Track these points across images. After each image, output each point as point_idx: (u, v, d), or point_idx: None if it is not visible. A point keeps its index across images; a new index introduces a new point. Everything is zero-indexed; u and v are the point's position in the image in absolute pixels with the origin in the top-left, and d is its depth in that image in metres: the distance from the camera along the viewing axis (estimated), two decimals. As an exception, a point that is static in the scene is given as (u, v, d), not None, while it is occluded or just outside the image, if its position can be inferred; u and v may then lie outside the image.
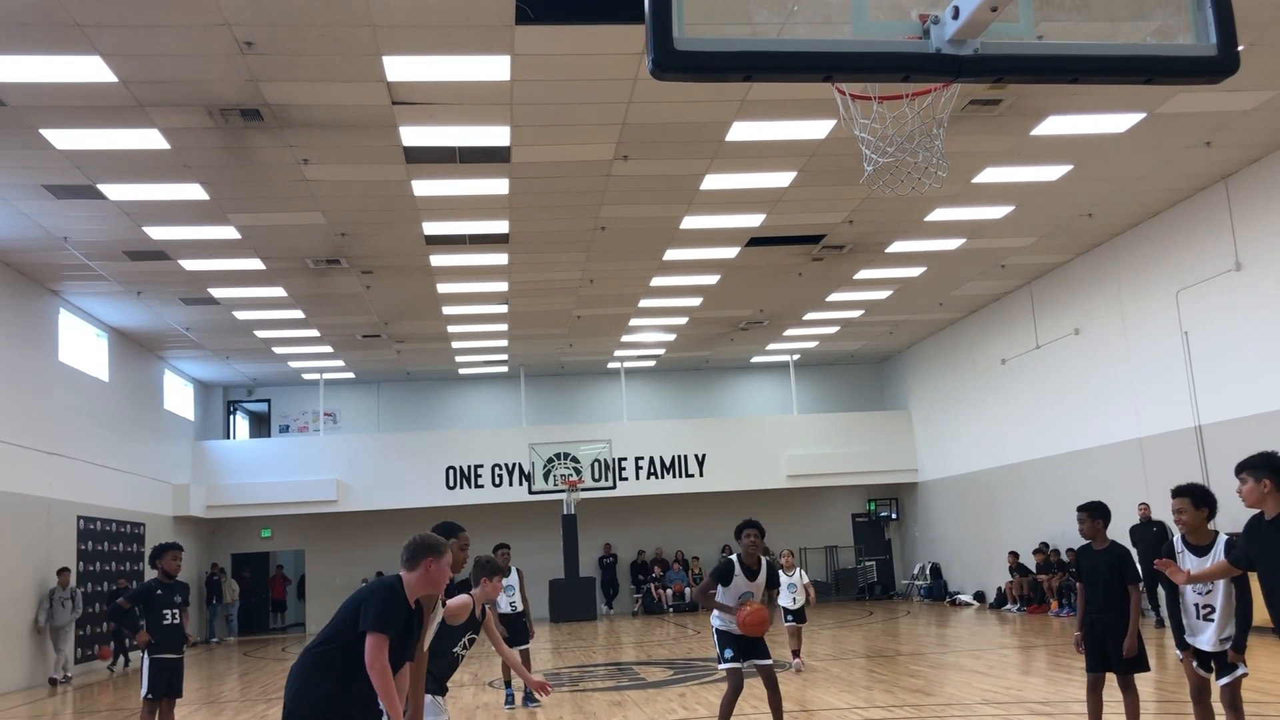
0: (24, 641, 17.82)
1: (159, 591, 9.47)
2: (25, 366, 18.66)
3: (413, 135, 13.19)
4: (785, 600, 14.34)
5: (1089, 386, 20.78)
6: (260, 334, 23.63)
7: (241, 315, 21.78)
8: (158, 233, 16.34)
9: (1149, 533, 17.33)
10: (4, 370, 17.85)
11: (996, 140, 14.46)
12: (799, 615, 14.41)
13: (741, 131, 13.65)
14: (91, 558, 20.81)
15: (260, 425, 32.08)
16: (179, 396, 27.58)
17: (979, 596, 25.41)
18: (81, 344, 21.33)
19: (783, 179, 15.52)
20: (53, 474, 19.32)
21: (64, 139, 12.76)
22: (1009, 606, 23.02)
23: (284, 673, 18.81)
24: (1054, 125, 14.03)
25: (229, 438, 30.61)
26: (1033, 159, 15.34)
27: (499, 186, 15.16)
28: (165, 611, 9.40)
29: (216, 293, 19.99)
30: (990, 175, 15.84)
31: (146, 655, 9.30)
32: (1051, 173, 15.98)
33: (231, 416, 31.18)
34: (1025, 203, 17.30)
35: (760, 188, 15.87)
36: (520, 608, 11.88)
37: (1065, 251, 20.59)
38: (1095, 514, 8.36)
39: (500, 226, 16.99)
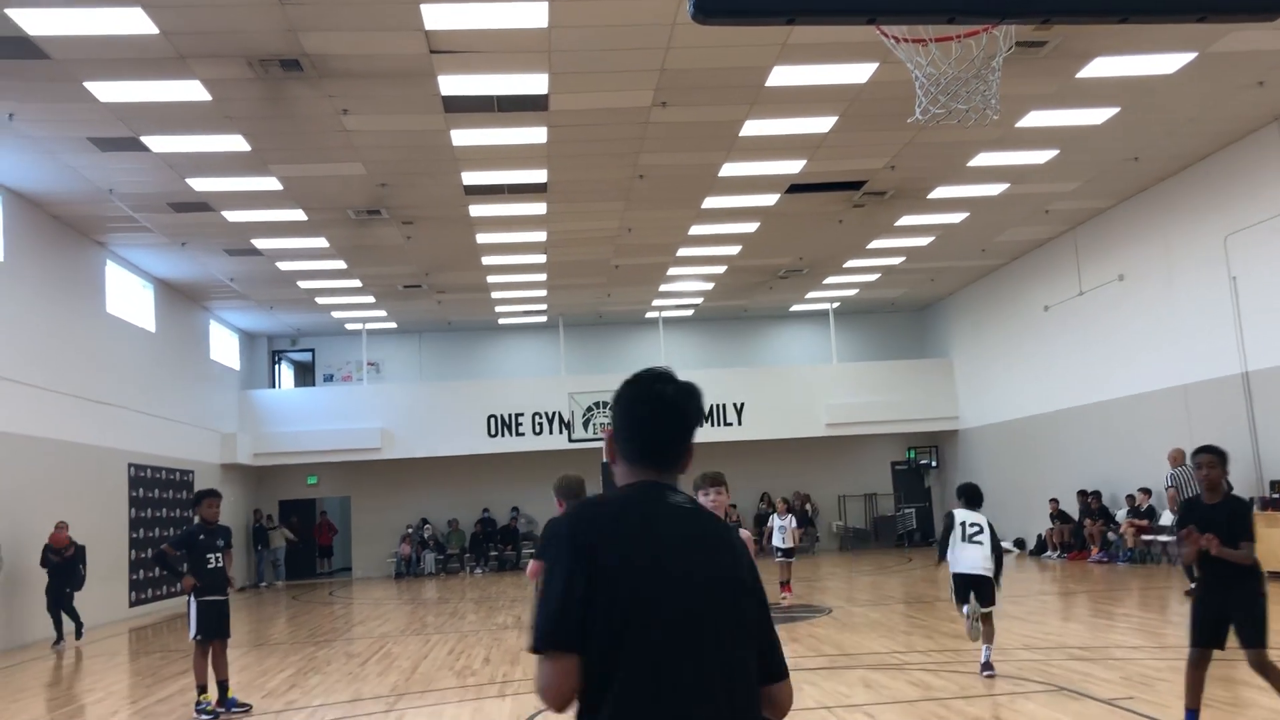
0: (93, 579, 18.33)
1: (201, 537, 9.71)
2: (74, 318, 18.99)
3: (451, 84, 13.18)
4: (777, 540, 17.16)
5: (1133, 333, 20.54)
6: (303, 284, 23.86)
7: (284, 266, 21.99)
8: (200, 184, 16.50)
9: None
10: (54, 321, 18.19)
11: (1042, 83, 14.21)
12: (789, 553, 17.14)
13: (782, 76, 13.51)
14: (143, 504, 21.29)
15: (305, 375, 32.48)
16: (224, 346, 27.97)
17: (1019, 543, 25.38)
18: (128, 295, 21.66)
19: (823, 124, 15.37)
20: (103, 423, 19.73)
21: (107, 91, 12.88)
22: (1049, 553, 22.99)
23: (331, 615, 19.26)
24: (1101, 67, 13.76)
25: (274, 387, 31.04)
26: (1078, 102, 15.07)
27: (537, 135, 15.14)
28: (208, 556, 9.63)
29: (259, 244, 20.19)
30: (1035, 119, 15.59)
31: (193, 599, 9.55)
32: (1097, 116, 15.70)
33: (276, 366, 31.59)
34: (1070, 147, 17.02)
35: (800, 133, 15.73)
36: None
37: (1110, 196, 20.27)
38: (1223, 459, 6.76)
39: (538, 176, 16.99)
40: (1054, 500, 23.14)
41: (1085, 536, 21.63)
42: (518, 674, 10.84)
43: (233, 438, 26.69)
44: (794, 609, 15.53)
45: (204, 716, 9.35)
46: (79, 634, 16.25)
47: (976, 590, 9.63)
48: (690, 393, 2.76)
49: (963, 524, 10.09)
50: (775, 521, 17.70)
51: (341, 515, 31.57)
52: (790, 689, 2.73)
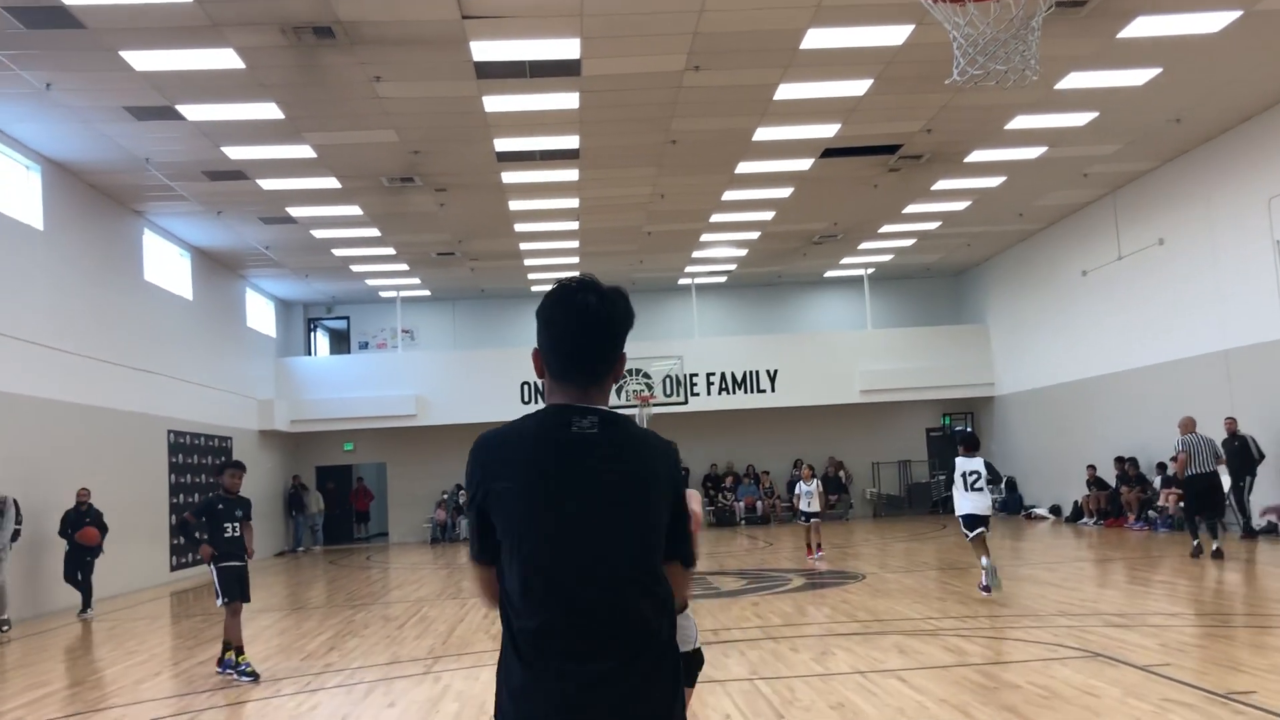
0: (134, 544, 18.66)
1: (220, 506, 9.91)
2: (113, 286, 19.21)
3: (483, 50, 13.14)
4: (803, 504, 17.98)
5: (1173, 298, 20.27)
6: (338, 252, 23.99)
7: (319, 234, 22.11)
8: (235, 152, 16.58)
9: (1232, 447, 17.01)
10: (93, 290, 18.41)
11: (1081, 43, 13.96)
12: (814, 516, 17.87)
13: (816, 39, 13.35)
14: (182, 470, 21.60)
15: (340, 342, 32.73)
16: (261, 314, 28.22)
17: (1055, 510, 25.24)
18: (166, 263, 21.88)
19: (858, 87, 15.19)
20: (143, 390, 20.00)
21: (142, 60, 12.95)
22: (1085, 520, 22.85)
23: (367, 580, 19.51)
24: (1142, 26, 13.49)
25: (310, 354, 31.30)
26: (1119, 62, 14.80)
27: (569, 101, 15.08)
28: (226, 525, 9.80)
29: (294, 211, 20.30)
30: (1074, 80, 15.33)
31: (213, 566, 9.77)
32: (1138, 77, 15.41)
33: (312, 334, 31.85)
34: (1110, 109, 16.74)
35: (835, 97, 15.56)
36: None
37: (1151, 159, 19.94)
38: None
39: (570, 142, 16.93)
40: (1091, 467, 22.97)
41: (1122, 504, 21.47)
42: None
43: (270, 405, 26.97)
44: (826, 575, 15.56)
45: (229, 672, 9.55)
46: (85, 606, 15.52)
47: (979, 524, 12.17)
48: (614, 299, 2.77)
49: (964, 475, 12.21)
50: (801, 486, 18.44)
51: (378, 481, 31.88)
52: (684, 578, 2.84)
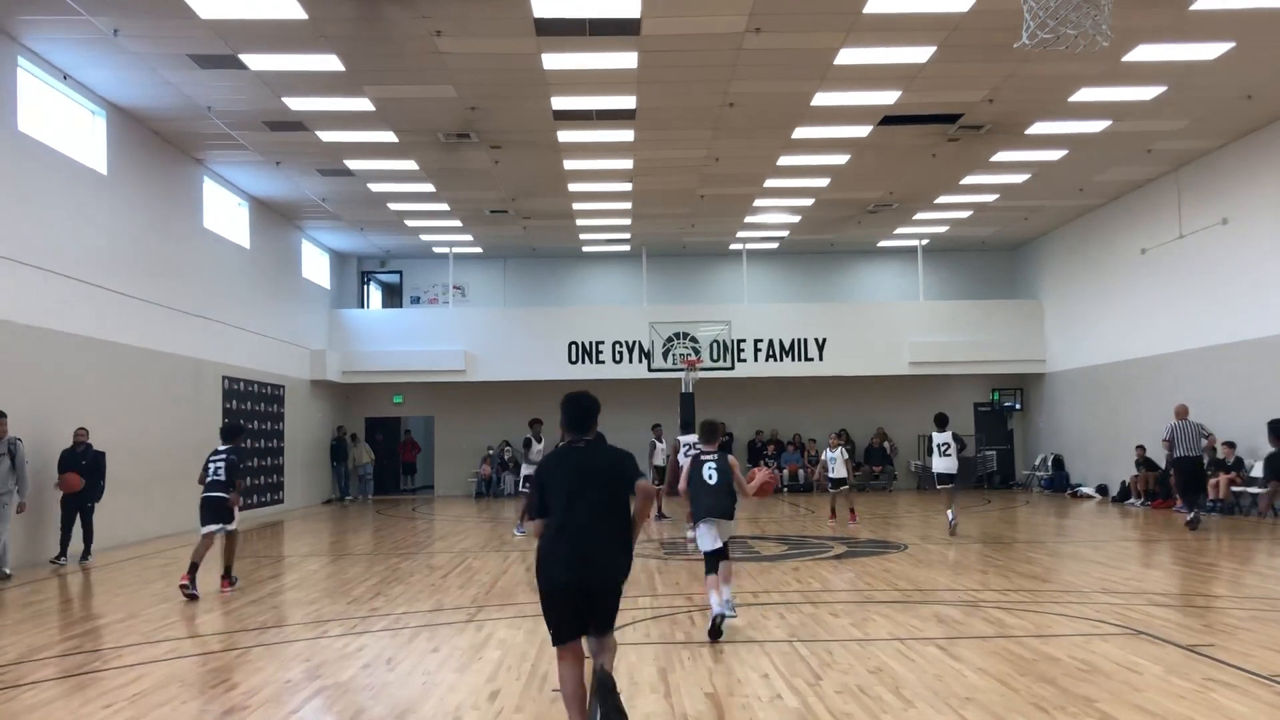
0: (187, 485, 19.08)
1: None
2: (173, 232, 19.53)
3: (543, 6, 13.12)
4: (832, 471, 19.01)
5: (1234, 279, 19.88)
6: (393, 206, 24.17)
7: (375, 187, 22.28)
8: (296, 103, 16.74)
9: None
10: (154, 235, 18.73)
11: (1151, 15, 13.66)
12: (838, 483, 18.97)
13: (881, 2, 13.19)
14: (236, 416, 21.99)
15: (392, 296, 33.04)
16: (316, 265, 28.54)
17: (1102, 489, 24.99)
18: (224, 212, 22.19)
19: (921, 54, 14.99)
20: (199, 335, 20.36)
21: (208, 7, 13.07)
22: (1132, 501, 22.61)
23: (413, 530, 19.83)
24: (1217, -2, 13.17)
25: (363, 307, 31.65)
26: (1190, 35, 14.47)
27: (628, 60, 15.03)
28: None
29: (351, 164, 20.47)
30: (1142, 53, 15.02)
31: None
32: (1210, 50, 15.06)
33: (365, 286, 32.18)
34: (1179, 83, 16.38)
35: (897, 63, 15.37)
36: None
37: (1218, 136, 19.51)
38: None
39: (628, 102, 16.89)
40: (1140, 447, 22.70)
41: (1170, 485, 21.18)
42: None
43: (322, 355, 27.34)
44: (867, 544, 15.57)
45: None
46: (86, 554, 14.71)
47: (947, 481, 17.00)
48: (592, 399, 5.80)
49: (938, 445, 17.20)
50: (827, 454, 19.40)
51: (425, 434, 32.26)
52: (647, 486, 5.62)
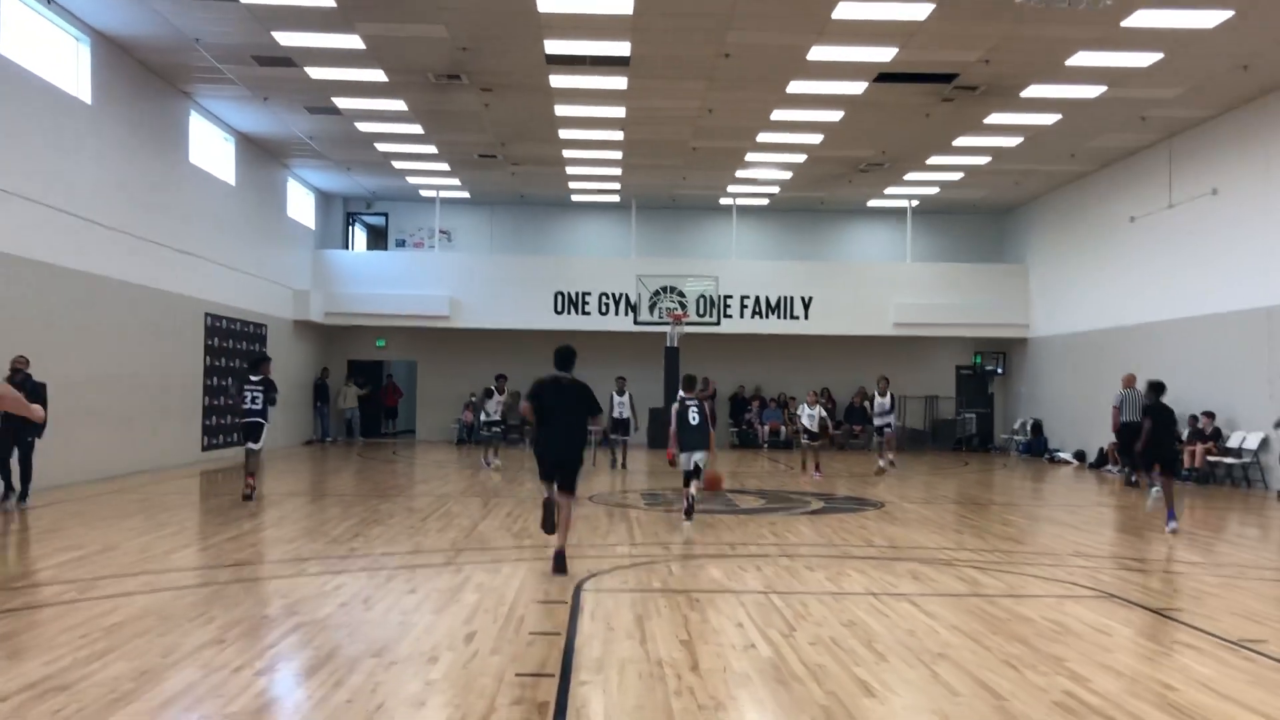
0: (167, 421, 19.01)
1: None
2: (158, 165, 19.29)
3: (540, -53, 12.90)
4: (806, 424, 19.87)
5: (1220, 250, 19.93)
6: (380, 147, 23.92)
7: (363, 127, 22.03)
8: (286, 38, 16.47)
9: None
10: (138, 167, 18.49)
11: (1154, -21, 13.54)
12: (813, 436, 19.75)
13: (880, -43, 13.02)
14: (218, 353, 21.91)
15: (377, 238, 32.81)
16: (301, 205, 28.29)
17: (1079, 455, 25.19)
18: (210, 147, 21.91)
19: (920, 10, 14.84)
20: (182, 271, 20.19)
21: (197, -64, 12.81)
22: (1109, 467, 22.79)
23: (394, 473, 19.87)
24: (1219, -35, 13.06)
25: (348, 248, 31.41)
26: (1190, 3, 14.37)
27: (623, 5, 14.82)
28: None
29: (340, 103, 20.21)
30: (1141, 19, 14.90)
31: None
32: (1209, 18, 14.95)
33: (351, 228, 31.92)
34: (1176, 50, 16.29)
35: (895, 19, 15.22)
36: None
37: (1213, 106, 19.45)
38: None
39: (622, 48, 16.69)
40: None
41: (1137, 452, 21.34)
42: (573, 539, 11.12)
43: (305, 295, 27.18)
44: (845, 500, 15.67)
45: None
46: (24, 496, 13.08)
47: (881, 433, 20.17)
48: (572, 351, 9.49)
49: (880, 406, 20.01)
50: (804, 409, 20.20)
51: (408, 379, 32.19)
52: (599, 418, 9.98)
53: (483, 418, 21.07)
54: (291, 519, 13.00)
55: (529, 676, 5.89)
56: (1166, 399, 13.26)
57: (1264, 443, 18.38)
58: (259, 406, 14.16)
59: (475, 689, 5.61)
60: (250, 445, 14.19)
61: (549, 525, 9.20)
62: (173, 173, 19.95)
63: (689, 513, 12.54)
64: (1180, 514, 12.98)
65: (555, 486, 9.23)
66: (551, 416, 9.17)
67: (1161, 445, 12.93)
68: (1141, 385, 17.97)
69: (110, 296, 17.34)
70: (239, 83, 19.11)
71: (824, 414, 20.22)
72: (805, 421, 19.94)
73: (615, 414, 20.79)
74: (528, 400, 9.26)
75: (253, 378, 14.33)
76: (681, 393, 13.27)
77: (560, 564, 9.05)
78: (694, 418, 12.74)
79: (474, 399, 29.93)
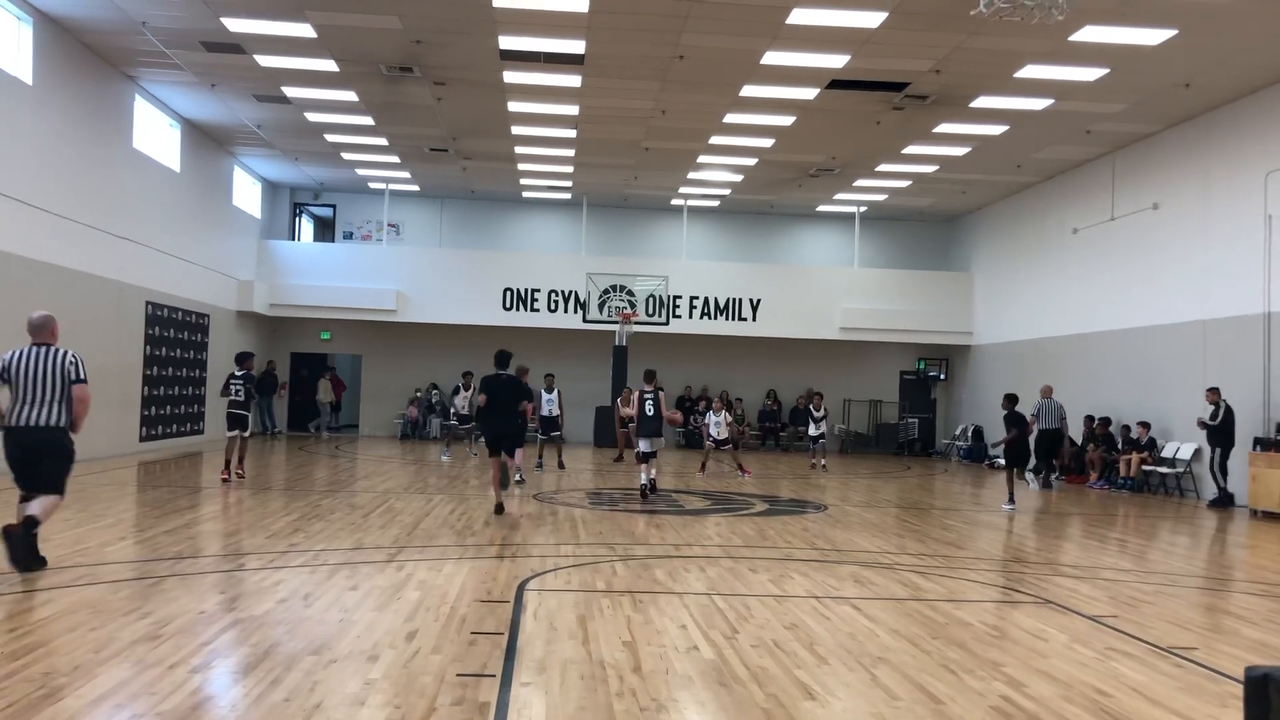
0: (105, 410, 18.60)
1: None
2: (100, 150, 18.91)
3: (497, -58, 12.83)
4: (713, 432, 20.36)
5: (1160, 263, 20.35)
6: (330, 138, 23.66)
7: (312, 117, 21.78)
8: (235, 24, 16.23)
9: (1215, 416, 17.32)
10: (80, 151, 18.11)
11: (1101, -4, 13.79)
12: (721, 443, 20.37)
13: (835, -35, 13.12)
14: (158, 343, 21.52)
15: (324, 230, 32.44)
16: (247, 194, 27.89)
17: (1018, 463, 25.53)
18: (155, 133, 21.53)
19: (873, 19, 14.98)
20: (123, 258, 19.81)
21: (146, -82, 12.58)
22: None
23: (335, 468, 19.63)
24: (1165, -16, 13.32)
25: (294, 239, 31.02)
26: (1137, 19, 14.66)
27: (579, 3, 14.80)
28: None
29: (289, 91, 19.95)
30: (1089, 34, 15.18)
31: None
32: (1154, 36, 15.27)
33: (297, 218, 31.53)
34: (1121, 66, 16.61)
35: (848, 26, 15.36)
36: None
37: (1155, 121, 19.86)
38: None
39: (577, 46, 16.66)
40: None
41: (1086, 462, 21.77)
42: (517, 538, 11.08)
43: (249, 285, 26.81)
44: (789, 503, 15.77)
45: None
46: None
47: (815, 441, 23.11)
48: (509, 354, 13.33)
49: (810, 416, 23.06)
50: (710, 417, 20.84)
51: (352, 373, 31.87)
52: (525, 406, 13.86)
53: (452, 412, 22.09)
54: (230, 512, 12.81)
55: (470, 676, 5.85)
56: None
57: (1196, 453, 18.79)
58: (241, 398, 15.83)
59: (416, 688, 5.57)
60: (240, 433, 15.89)
61: (504, 486, 13.26)
62: (115, 157, 19.56)
63: (645, 492, 14.62)
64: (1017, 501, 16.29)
65: (503, 454, 13.05)
66: (494, 404, 12.84)
67: (1024, 446, 16.93)
68: (1059, 396, 19.54)
69: (47, 282, 16.96)
70: (186, 68, 18.80)
71: (729, 419, 20.80)
72: (713, 430, 20.26)
73: (544, 412, 20.36)
74: (482, 393, 12.83)
75: (237, 372, 15.91)
76: (642, 385, 15.36)
77: (500, 510, 12.77)
78: (650, 409, 15.08)
79: (419, 394, 29.81)
